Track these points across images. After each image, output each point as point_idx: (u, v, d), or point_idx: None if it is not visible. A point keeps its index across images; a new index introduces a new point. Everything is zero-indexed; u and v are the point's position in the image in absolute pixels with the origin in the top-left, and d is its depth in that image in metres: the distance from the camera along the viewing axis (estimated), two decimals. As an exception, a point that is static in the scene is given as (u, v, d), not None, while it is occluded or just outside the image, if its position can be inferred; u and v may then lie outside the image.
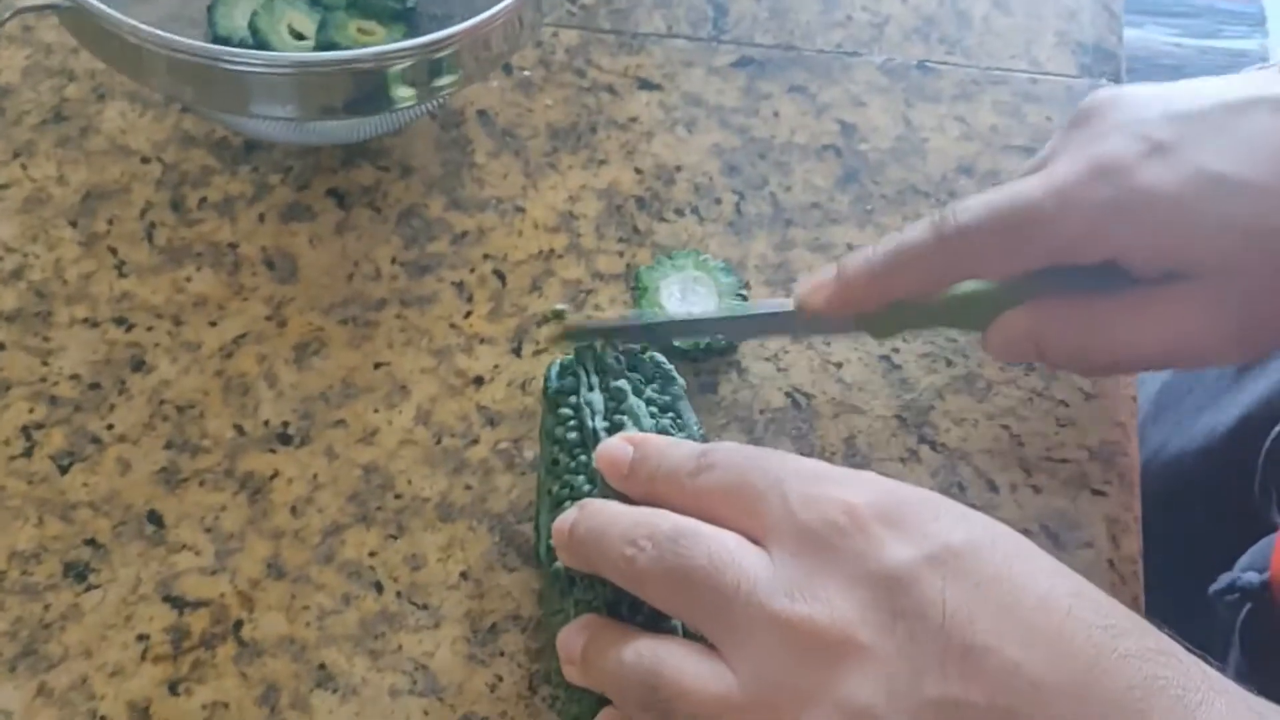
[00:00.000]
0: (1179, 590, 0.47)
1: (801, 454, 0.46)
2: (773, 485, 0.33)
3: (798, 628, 0.30)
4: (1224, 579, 0.51)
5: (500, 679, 0.42)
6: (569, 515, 0.37)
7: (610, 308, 0.48)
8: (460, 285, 0.49)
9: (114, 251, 0.49)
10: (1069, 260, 0.40)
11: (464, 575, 0.43)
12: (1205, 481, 0.60)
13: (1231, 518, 0.57)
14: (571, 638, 0.36)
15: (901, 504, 0.32)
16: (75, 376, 0.47)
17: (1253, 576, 0.50)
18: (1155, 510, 0.47)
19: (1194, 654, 0.30)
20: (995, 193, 0.40)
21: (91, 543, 0.43)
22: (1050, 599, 0.30)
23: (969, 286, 0.42)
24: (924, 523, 0.31)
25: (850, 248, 0.50)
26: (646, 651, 0.33)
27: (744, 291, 0.48)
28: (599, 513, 0.36)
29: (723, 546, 0.33)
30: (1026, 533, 0.45)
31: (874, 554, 0.31)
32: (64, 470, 0.45)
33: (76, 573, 0.43)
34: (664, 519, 0.34)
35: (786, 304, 0.44)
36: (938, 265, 0.41)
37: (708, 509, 0.35)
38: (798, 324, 0.44)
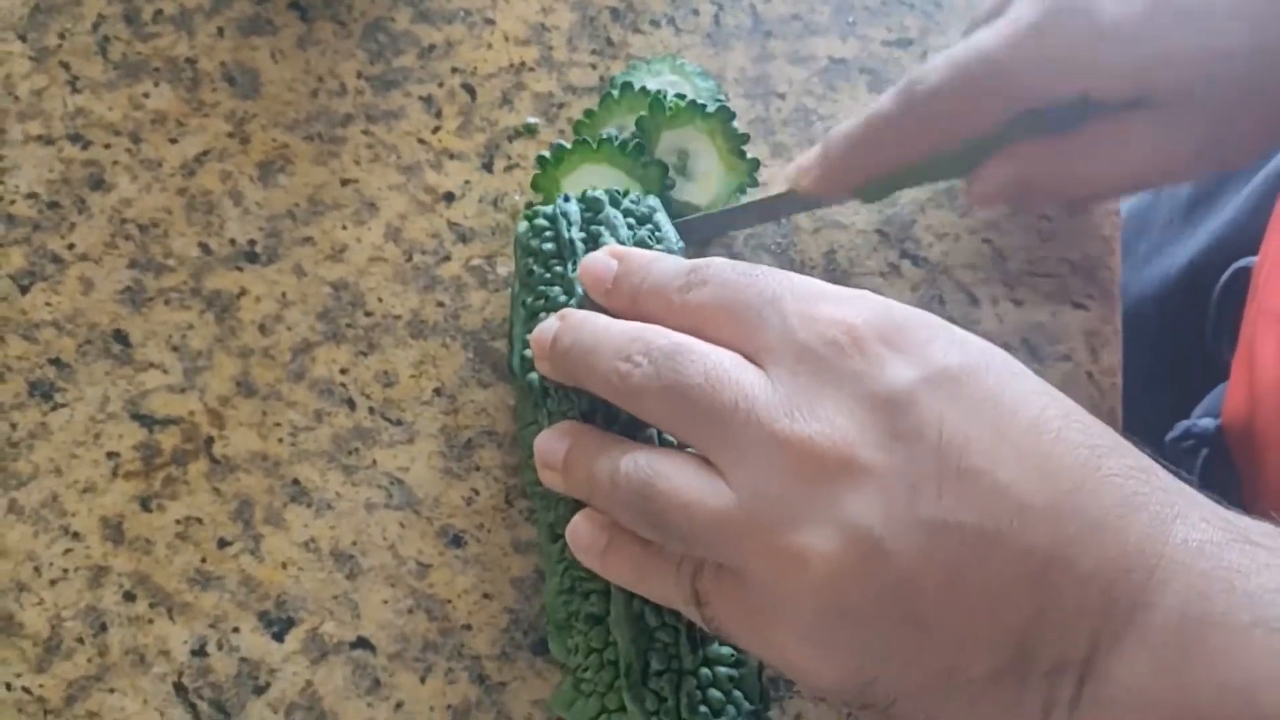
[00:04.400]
0: (1140, 438, 0.47)
1: (781, 269, 0.45)
2: (769, 303, 0.33)
3: (797, 447, 0.30)
4: (1180, 427, 0.51)
5: (476, 492, 0.41)
6: (549, 325, 0.36)
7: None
8: (428, 100, 0.48)
9: (66, 66, 0.47)
10: (1040, 103, 0.41)
11: (438, 391, 0.43)
12: (1161, 328, 0.60)
13: (1188, 364, 0.56)
14: (551, 444, 0.35)
15: (899, 324, 0.32)
16: (32, 195, 0.45)
17: (1208, 422, 0.50)
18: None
19: (1170, 470, 0.30)
20: (958, 50, 0.41)
21: (56, 362, 0.43)
22: (1040, 421, 0.30)
23: None
24: (922, 344, 0.31)
25: (831, 60, 0.49)
26: (643, 461, 0.32)
27: (721, 97, 0.46)
28: (584, 325, 0.35)
29: (719, 364, 0.32)
30: (1006, 346, 0.45)
31: (874, 374, 0.30)
32: (24, 290, 0.44)
33: (42, 392, 0.42)
34: (659, 334, 0.33)
35: (780, 188, 0.45)
36: (914, 133, 0.42)
37: (698, 326, 0.34)
38: (795, 205, 0.45)
